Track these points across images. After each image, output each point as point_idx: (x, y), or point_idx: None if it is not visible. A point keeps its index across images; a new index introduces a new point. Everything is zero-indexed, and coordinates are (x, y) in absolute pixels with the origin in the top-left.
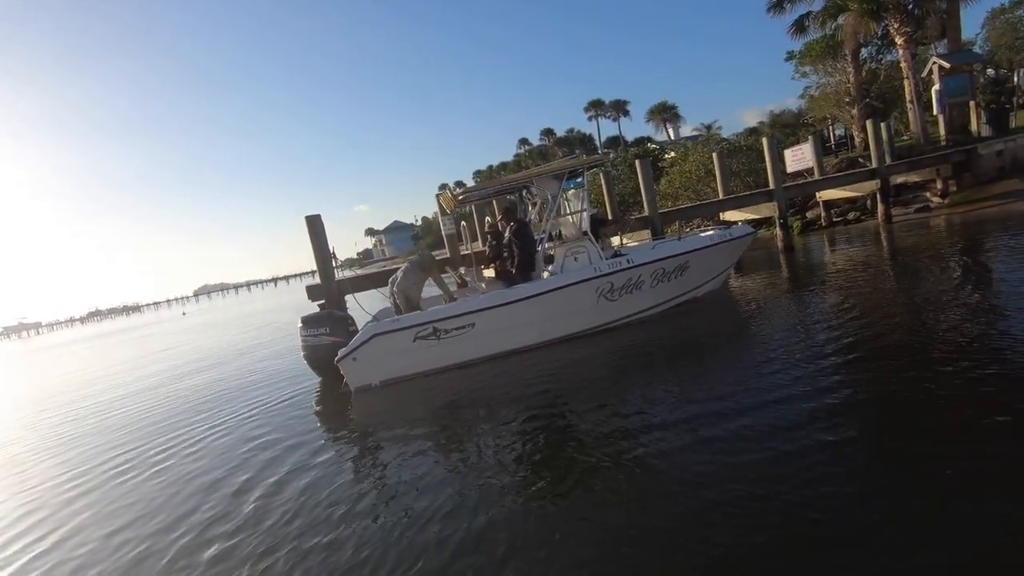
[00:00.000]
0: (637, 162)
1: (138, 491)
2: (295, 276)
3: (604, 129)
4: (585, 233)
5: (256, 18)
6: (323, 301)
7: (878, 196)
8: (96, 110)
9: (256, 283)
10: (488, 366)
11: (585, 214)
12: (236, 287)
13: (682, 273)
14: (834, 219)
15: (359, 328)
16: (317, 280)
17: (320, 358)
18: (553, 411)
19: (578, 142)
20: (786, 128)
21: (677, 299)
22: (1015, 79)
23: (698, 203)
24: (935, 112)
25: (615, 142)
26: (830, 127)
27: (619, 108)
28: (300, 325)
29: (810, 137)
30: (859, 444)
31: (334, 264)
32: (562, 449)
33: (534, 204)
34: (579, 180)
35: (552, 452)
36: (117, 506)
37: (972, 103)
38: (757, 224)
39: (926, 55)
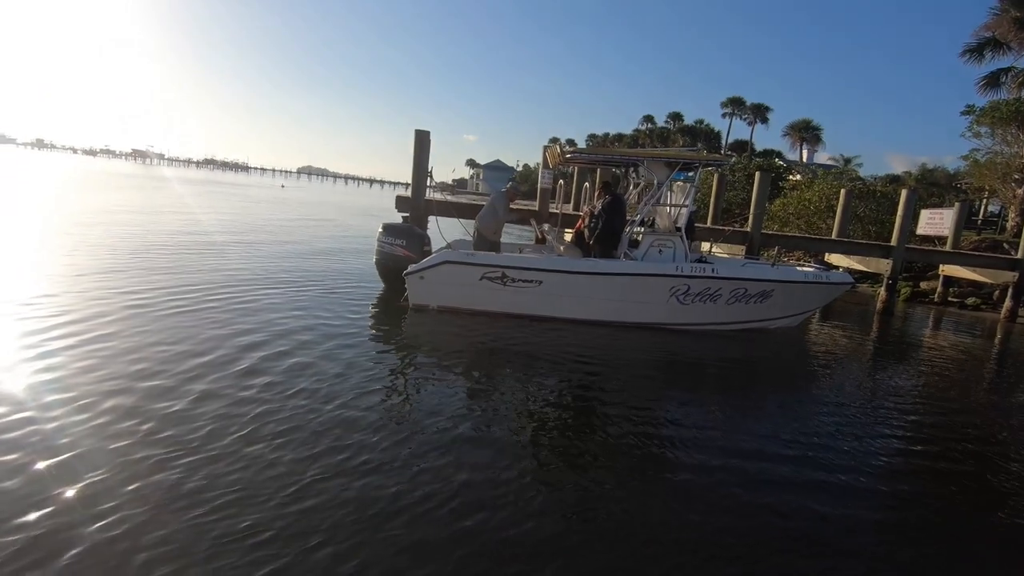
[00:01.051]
0: (757, 174)
1: (172, 324)
2: (391, 183)
3: (736, 130)
4: (678, 229)
5: None
6: (408, 214)
7: (1010, 289)
8: None
9: (354, 179)
10: (543, 327)
11: (685, 210)
12: (335, 177)
13: (763, 300)
14: (949, 298)
15: (433, 250)
16: (409, 193)
17: (390, 267)
18: (589, 393)
19: (703, 136)
20: (933, 187)
21: (748, 324)
22: None
23: (806, 236)
24: None
25: (742, 147)
26: (984, 200)
27: (758, 112)
28: (380, 231)
29: (957, 204)
30: (887, 533)
31: (428, 183)
32: (580, 433)
33: (636, 185)
34: (691, 174)
35: (572, 433)
36: (160, 330)
37: None
38: (861, 277)
39: None
